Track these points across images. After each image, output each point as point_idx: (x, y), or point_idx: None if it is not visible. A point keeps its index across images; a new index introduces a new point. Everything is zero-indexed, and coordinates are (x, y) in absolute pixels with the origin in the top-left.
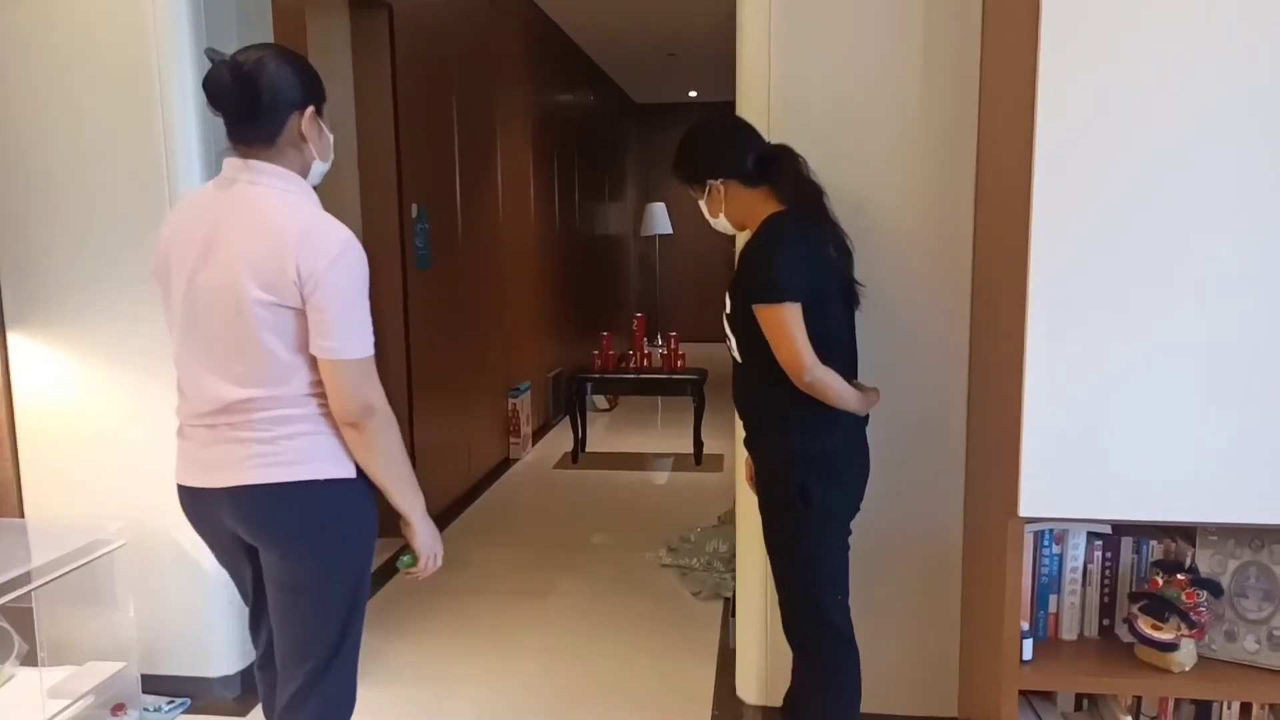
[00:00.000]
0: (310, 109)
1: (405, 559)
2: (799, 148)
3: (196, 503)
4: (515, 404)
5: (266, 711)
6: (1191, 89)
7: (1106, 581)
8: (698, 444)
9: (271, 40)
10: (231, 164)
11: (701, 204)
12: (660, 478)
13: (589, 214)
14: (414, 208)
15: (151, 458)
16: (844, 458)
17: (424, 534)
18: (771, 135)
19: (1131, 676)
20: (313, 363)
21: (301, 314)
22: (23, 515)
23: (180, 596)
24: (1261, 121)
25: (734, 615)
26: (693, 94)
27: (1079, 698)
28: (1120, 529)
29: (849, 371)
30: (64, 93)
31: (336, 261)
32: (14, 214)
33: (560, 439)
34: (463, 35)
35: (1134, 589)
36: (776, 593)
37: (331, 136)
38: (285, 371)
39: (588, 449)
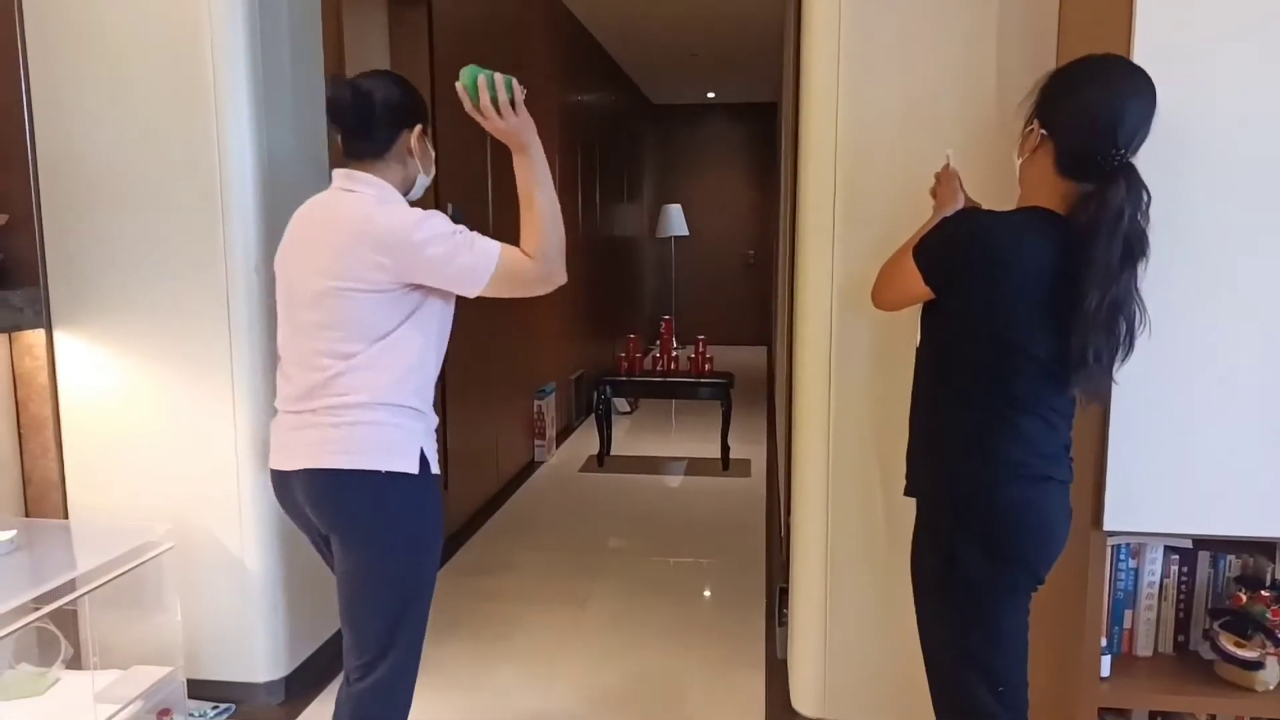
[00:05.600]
0: (419, 127)
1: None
2: (867, 146)
3: (282, 484)
4: (540, 406)
5: None
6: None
7: (1182, 597)
8: (725, 449)
9: (321, 38)
10: (337, 173)
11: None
12: (689, 482)
13: (608, 215)
14: (449, 207)
15: (194, 455)
16: (1021, 517)
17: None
18: (840, 131)
19: (1213, 695)
20: (383, 353)
21: (374, 295)
22: (66, 515)
23: (224, 599)
24: None
25: (781, 623)
26: (710, 95)
27: (1152, 715)
28: (1199, 544)
29: (1053, 392)
30: (117, 96)
31: (421, 224)
32: (63, 215)
33: (583, 441)
34: (496, 33)
35: (1211, 605)
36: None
37: (433, 153)
38: (359, 358)
39: (612, 452)
